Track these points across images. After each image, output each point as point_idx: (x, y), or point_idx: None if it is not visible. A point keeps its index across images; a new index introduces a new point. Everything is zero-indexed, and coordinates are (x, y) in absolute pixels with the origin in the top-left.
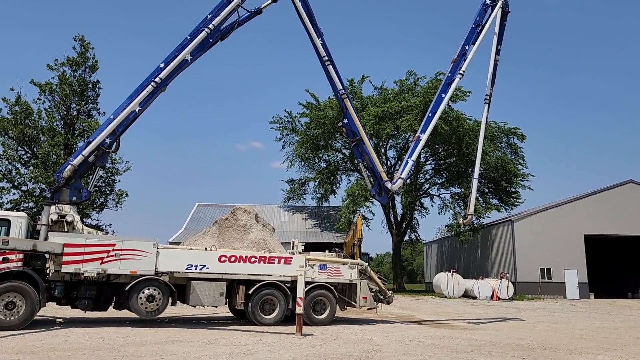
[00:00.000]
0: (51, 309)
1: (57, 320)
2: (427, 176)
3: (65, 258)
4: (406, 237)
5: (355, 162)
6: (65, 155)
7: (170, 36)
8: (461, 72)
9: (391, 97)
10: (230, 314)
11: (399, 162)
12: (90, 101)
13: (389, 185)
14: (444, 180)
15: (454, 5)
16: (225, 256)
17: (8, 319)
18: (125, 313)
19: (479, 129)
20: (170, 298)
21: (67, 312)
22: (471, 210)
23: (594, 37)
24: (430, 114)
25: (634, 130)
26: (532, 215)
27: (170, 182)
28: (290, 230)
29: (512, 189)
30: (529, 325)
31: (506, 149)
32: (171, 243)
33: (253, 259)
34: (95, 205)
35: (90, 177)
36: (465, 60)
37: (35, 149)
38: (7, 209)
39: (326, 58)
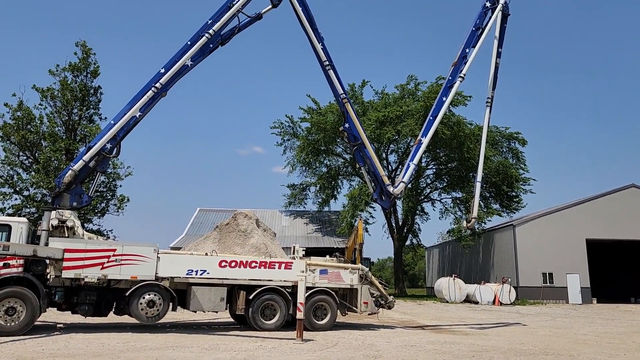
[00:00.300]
0: (52, 315)
1: (58, 325)
2: (429, 181)
3: (65, 263)
4: (407, 242)
5: (357, 166)
6: (66, 161)
7: (172, 40)
8: (462, 75)
9: (392, 101)
10: (231, 319)
11: (400, 166)
12: (91, 106)
13: (391, 189)
14: (445, 184)
15: (454, 11)
16: (226, 261)
17: (8, 324)
18: (125, 318)
19: (480, 134)
20: (170, 303)
21: (68, 317)
22: (474, 213)
23: (596, 40)
24: (431, 117)
25: (635, 135)
26: (533, 219)
27: (172, 187)
28: (291, 235)
29: (514, 194)
30: (531, 330)
31: (507, 154)
32: (172, 248)
33: (254, 264)
34: (96, 211)
35: (91, 182)
36: (465, 63)
37: (36, 154)
38: (8, 215)
39: (327, 63)
